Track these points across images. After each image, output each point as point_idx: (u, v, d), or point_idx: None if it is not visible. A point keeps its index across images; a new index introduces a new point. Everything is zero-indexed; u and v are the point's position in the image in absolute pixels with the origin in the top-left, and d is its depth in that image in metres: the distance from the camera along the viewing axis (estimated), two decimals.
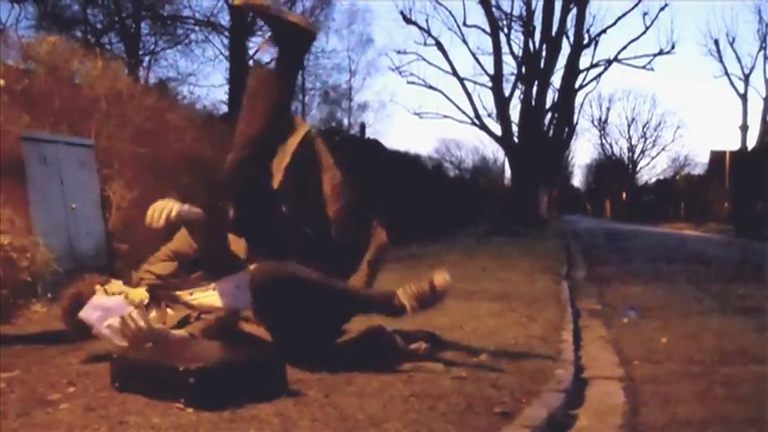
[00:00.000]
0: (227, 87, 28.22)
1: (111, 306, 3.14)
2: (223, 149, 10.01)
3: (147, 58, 27.14)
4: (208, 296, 3.40)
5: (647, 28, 31.04)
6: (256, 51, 28.82)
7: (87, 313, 3.19)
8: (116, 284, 3.38)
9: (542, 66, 30.08)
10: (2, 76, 4.10)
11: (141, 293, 3.31)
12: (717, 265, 12.04)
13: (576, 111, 35.16)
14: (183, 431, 2.33)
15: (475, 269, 8.97)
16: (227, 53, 28.36)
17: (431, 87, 32.55)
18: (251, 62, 27.84)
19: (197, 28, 28.01)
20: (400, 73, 32.45)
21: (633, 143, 66.42)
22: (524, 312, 5.40)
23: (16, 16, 23.06)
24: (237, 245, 3.54)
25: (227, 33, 27.88)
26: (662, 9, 30.72)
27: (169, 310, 3.38)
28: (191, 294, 3.41)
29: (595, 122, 66.45)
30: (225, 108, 24.68)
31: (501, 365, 3.52)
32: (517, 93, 31.21)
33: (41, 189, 6.37)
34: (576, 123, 36.59)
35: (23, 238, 5.39)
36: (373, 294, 3.41)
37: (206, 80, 68.51)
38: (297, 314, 3.23)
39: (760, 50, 46.22)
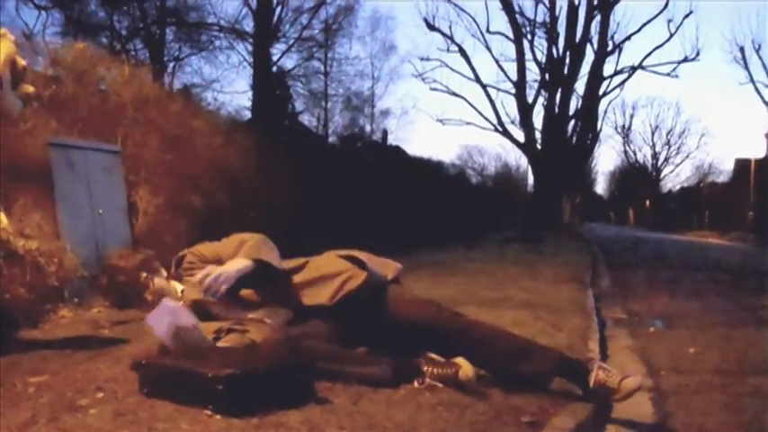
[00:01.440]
0: (250, 94, 28.36)
1: (175, 313, 3.10)
2: (247, 156, 10.09)
3: (171, 65, 27.37)
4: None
5: (671, 35, 30.94)
6: (279, 59, 29.07)
7: (155, 321, 3.15)
8: (171, 284, 3.41)
9: (566, 72, 30.05)
10: (30, 83, 4.12)
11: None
12: (742, 274, 11.94)
13: (600, 118, 35.03)
14: None
15: (499, 277, 8.94)
16: (251, 60, 28.52)
17: (454, 94, 32.57)
18: (275, 69, 28.05)
19: (221, 34, 28.24)
20: (423, 79, 32.57)
21: (657, 150, 66.16)
22: (550, 321, 5.37)
23: (43, 23, 23.35)
24: None
25: (251, 40, 28.05)
26: (687, 16, 30.66)
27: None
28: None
29: (619, 129, 66.26)
30: (249, 114, 24.77)
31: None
32: (540, 99, 31.22)
33: (69, 195, 6.42)
34: (600, 130, 36.47)
35: (51, 244, 5.41)
36: (368, 372, 3.28)
37: (230, 86, 69.04)
38: None
39: None
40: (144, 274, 3.47)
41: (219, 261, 3.38)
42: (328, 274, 3.39)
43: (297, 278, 3.38)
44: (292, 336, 3.21)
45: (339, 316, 3.30)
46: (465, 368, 3.12)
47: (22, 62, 4.05)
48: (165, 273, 3.56)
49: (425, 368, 3.18)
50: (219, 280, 3.14)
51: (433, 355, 3.29)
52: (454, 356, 3.21)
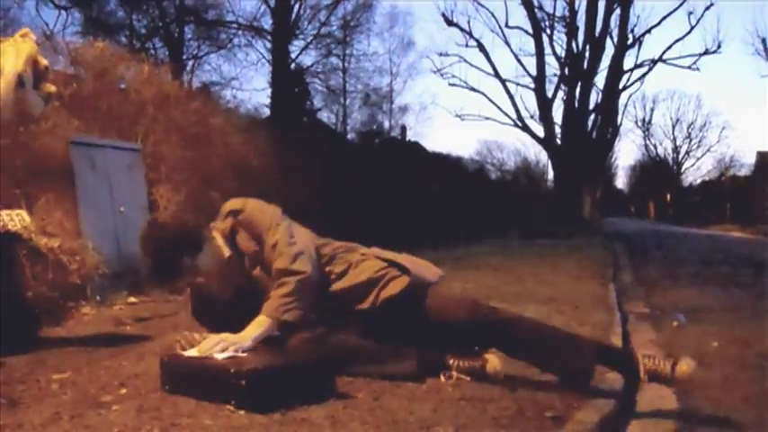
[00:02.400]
0: (269, 91, 28.43)
1: None
2: (266, 153, 10.11)
3: (190, 63, 27.49)
4: None
5: (692, 27, 30.73)
6: (298, 56, 29.11)
7: None
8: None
9: (585, 67, 29.90)
10: (51, 82, 4.14)
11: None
12: (766, 268, 11.83)
13: (620, 112, 34.87)
14: None
15: (520, 271, 8.91)
16: (269, 57, 28.59)
17: (472, 89, 32.46)
18: (293, 66, 28.09)
19: (240, 32, 28.33)
20: (442, 75, 32.46)
21: (678, 144, 65.72)
22: (572, 315, 5.34)
23: (63, 22, 23.54)
24: None
25: (269, 37, 28.12)
26: (707, 8, 30.41)
27: None
28: None
29: (639, 123, 65.85)
30: (267, 111, 24.83)
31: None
32: (560, 94, 31.07)
33: (90, 193, 6.46)
34: (620, 124, 36.28)
35: (73, 242, 5.46)
36: (394, 370, 3.27)
37: (249, 84, 68.99)
38: None
39: None
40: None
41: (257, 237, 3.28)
42: (369, 279, 3.35)
43: (337, 285, 3.34)
44: (320, 332, 3.21)
45: (378, 317, 3.30)
46: (493, 361, 3.11)
47: (43, 62, 4.06)
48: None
49: (452, 361, 3.18)
50: (231, 348, 2.94)
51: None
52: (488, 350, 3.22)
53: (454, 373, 3.14)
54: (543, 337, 3.25)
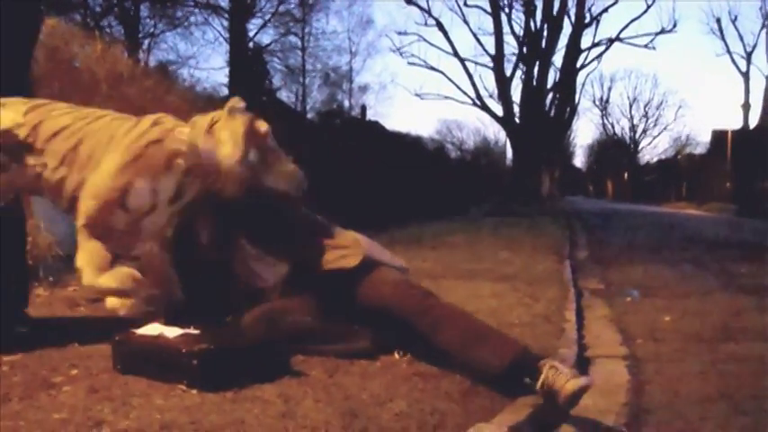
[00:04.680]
0: (227, 70, 28.16)
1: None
2: None
3: (146, 41, 27.11)
4: None
5: (648, 6, 30.93)
6: (256, 34, 28.84)
7: None
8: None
9: (544, 45, 30.01)
10: None
11: None
12: (719, 244, 12.03)
13: (578, 91, 35.15)
14: (187, 412, 2.32)
15: (477, 249, 8.96)
16: (227, 35, 28.30)
17: (432, 68, 32.52)
18: (251, 44, 27.83)
19: (197, 10, 27.97)
20: (401, 54, 32.42)
21: (635, 123, 66.46)
22: (527, 292, 5.39)
23: None
24: None
25: (226, 16, 27.82)
26: None
27: None
28: None
29: (597, 102, 66.52)
30: (226, 91, 24.60)
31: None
32: (518, 73, 31.20)
33: None
34: (578, 103, 36.59)
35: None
36: (350, 348, 3.21)
37: (206, 63, 68.20)
38: None
39: (762, 28, 46.30)
40: None
41: None
42: (334, 244, 3.39)
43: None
44: (274, 310, 3.21)
45: (327, 289, 3.30)
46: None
47: (262, 129, 3.69)
48: None
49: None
50: None
51: None
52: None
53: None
54: (457, 324, 3.05)
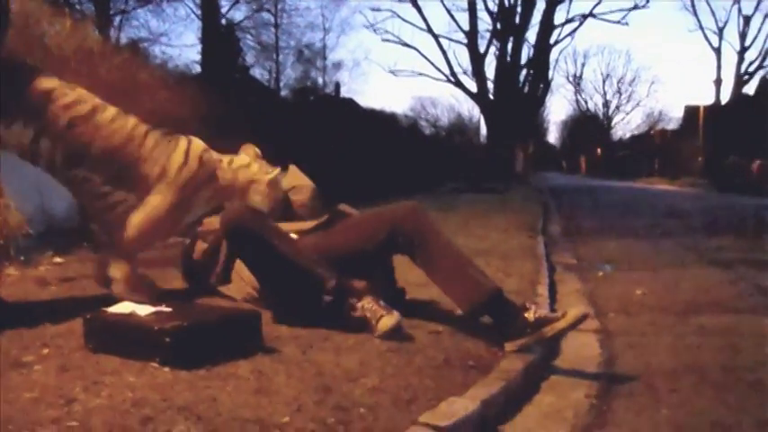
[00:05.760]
0: (199, 47, 27.89)
1: None
2: (197, 110, 9.94)
3: (117, 18, 26.72)
4: None
5: None
6: (228, 10, 28.59)
7: None
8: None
9: (517, 21, 30.01)
10: None
11: None
12: (691, 218, 12.14)
13: (551, 67, 35.24)
14: (159, 390, 2.31)
15: (451, 225, 8.96)
16: (198, 12, 28.00)
17: (406, 45, 32.53)
18: (223, 21, 27.58)
19: None
20: (375, 30, 32.46)
21: (608, 99, 66.78)
22: (500, 267, 5.41)
23: None
24: None
25: None
26: None
27: None
28: None
29: (570, 78, 66.72)
30: (198, 68, 24.38)
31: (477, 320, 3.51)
32: (492, 49, 31.26)
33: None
34: (551, 79, 36.70)
35: None
36: (315, 272, 3.30)
37: (178, 40, 67.55)
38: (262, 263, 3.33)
39: (734, 4, 46.60)
40: None
41: None
42: None
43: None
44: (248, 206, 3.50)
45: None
46: (386, 320, 3.06)
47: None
48: None
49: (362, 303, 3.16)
50: None
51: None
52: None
53: (359, 311, 3.14)
54: (455, 263, 3.28)
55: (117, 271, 3.52)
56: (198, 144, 3.69)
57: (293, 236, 3.50)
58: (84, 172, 3.45)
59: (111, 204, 3.51)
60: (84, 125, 3.44)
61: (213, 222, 3.78)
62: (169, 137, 3.63)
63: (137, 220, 3.48)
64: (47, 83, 3.46)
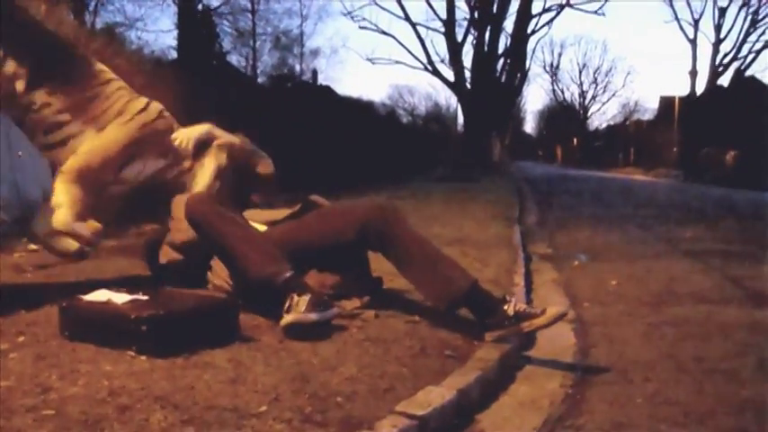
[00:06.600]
0: (175, 32, 27.66)
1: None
2: (173, 96, 9.86)
3: (92, 3, 26.40)
4: None
5: None
6: None
7: None
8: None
9: (495, 10, 29.96)
10: None
11: None
12: (666, 209, 12.24)
13: (528, 56, 35.30)
14: (136, 378, 2.31)
15: (428, 214, 8.99)
16: None
17: (383, 33, 32.37)
18: (200, 6, 27.37)
19: None
20: (352, 18, 32.32)
21: (584, 89, 66.99)
22: (477, 257, 5.43)
23: None
24: None
25: None
26: None
27: None
28: None
29: (547, 68, 66.84)
30: (175, 54, 24.18)
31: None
32: (470, 38, 31.16)
33: None
34: (528, 69, 36.79)
35: None
36: (260, 273, 3.11)
37: (154, 25, 67.06)
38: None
39: None
40: None
41: None
42: None
43: None
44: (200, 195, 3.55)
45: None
46: (289, 317, 2.90)
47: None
48: None
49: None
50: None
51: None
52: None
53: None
54: (427, 260, 3.27)
55: (63, 195, 3.54)
56: (158, 103, 3.92)
57: (260, 226, 3.47)
58: (44, 96, 3.44)
59: (62, 139, 3.60)
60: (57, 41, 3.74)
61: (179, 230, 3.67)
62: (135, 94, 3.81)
63: (87, 147, 3.57)
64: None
